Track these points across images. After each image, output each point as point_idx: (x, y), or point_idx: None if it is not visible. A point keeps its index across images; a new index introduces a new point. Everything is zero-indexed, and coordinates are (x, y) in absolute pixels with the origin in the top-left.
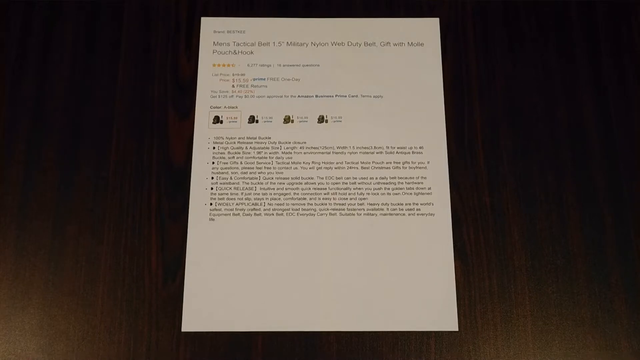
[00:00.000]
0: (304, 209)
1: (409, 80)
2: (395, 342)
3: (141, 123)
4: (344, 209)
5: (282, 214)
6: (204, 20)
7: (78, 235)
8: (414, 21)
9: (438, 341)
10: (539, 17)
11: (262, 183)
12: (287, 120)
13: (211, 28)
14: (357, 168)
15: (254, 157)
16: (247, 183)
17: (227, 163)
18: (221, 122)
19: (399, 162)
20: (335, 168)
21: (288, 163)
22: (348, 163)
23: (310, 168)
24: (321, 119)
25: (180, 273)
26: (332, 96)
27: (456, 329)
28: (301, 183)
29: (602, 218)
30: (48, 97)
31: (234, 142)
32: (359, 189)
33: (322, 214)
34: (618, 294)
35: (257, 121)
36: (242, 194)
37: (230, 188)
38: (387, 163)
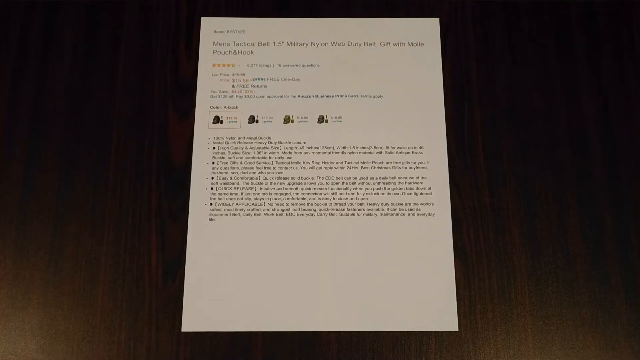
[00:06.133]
0: (304, 209)
1: (409, 80)
2: (395, 342)
3: (141, 123)
4: (344, 209)
5: (282, 214)
6: (204, 20)
7: (78, 235)
8: (414, 21)
9: (438, 341)
10: (539, 17)
11: (262, 183)
12: (287, 120)
13: (211, 28)
14: (357, 168)
15: (254, 157)
16: (247, 183)
17: (227, 163)
18: (221, 122)
19: (399, 162)
20: (335, 168)
21: (288, 163)
22: (348, 163)
23: (310, 168)
24: (321, 119)
25: (180, 273)
26: (332, 96)
27: (456, 329)
28: (301, 183)
29: (602, 218)
30: (48, 97)
31: (234, 142)
32: (359, 189)
33: (322, 214)
34: (618, 294)
35: (257, 121)
36: (242, 194)
37: (230, 188)
38: (387, 163)
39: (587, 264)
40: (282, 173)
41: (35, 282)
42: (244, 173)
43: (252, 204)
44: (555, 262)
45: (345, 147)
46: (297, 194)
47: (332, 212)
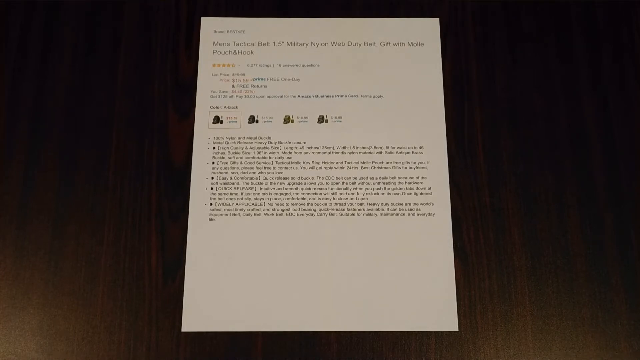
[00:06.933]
0: (304, 209)
1: (409, 80)
2: (395, 342)
3: (141, 123)
4: (344, 209)
5: (282, 214)
6: (204, 20)
7: (78, 235)
8: (414, 21)
9: (438, 341)
10: (539, 17)
11: (262, 183)
12: (287, 120)
13: (211, 28)
14: (357, 168)
15: (254, 157)
16: (247, 183)
17: (227, 163)
18: (221, 122)
19: (399, 162)
20: (335, 168)
21: (288, 163)
22: (348, 163)
23: (310, 168)
24: (321, 119)
25: (180, 273)
26: (332, 96)
27: (456, 329)
28: (301, 183)
29: (602, 218)
30: (48, 97)
31: (234, 142)
32: (359, 189)
33: (322, 214)
34: (618, 294)
35: (257, 121)
36: (242, 194)
37: (230, 188)
38: (387, 163)
39: (587, 264)
40: (282, 173)
41: (35, 282)
42: (244, 173)
43: (252, 204)
44: (555, 262)
45: (345, 147)
46: (297, 194)
47: (332, 212)
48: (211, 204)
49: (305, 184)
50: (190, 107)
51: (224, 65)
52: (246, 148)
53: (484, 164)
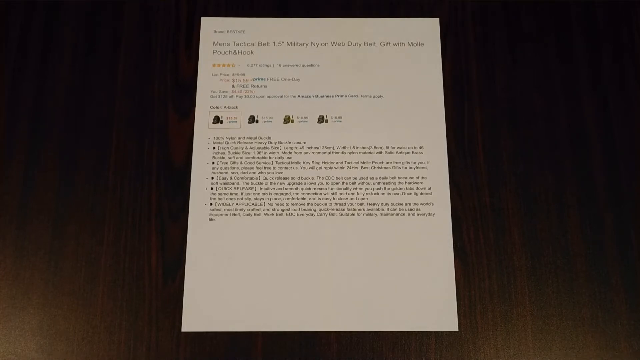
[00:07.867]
0: (304, 209)
1: (409, 80)
2: (395, 342)
3: (141, 123)
4: (344, 209)
5: (282, 214)
6: (204, 20)
7: (78, 235)
8: (414, 21)
9: (438, 341)
10: (539, 17)
11: (262, 183)
12: (287, 120)
13: (211, 28)
14: (357, 168)
15: (254, 157)
16: (247, 183)
17: (227, 163)
18: (221, 122)
19: (399, 162)
20: (335, 168)
21: (288, 163)
22: (348, 163)
23: (310, 168)
24: (321, 119)
25: (180, 273)
26: (332, 96)
27: (456, 329)
28: (301, 183)
29: (602, 218)
30: (48, 97)
31: (234, 142)
32: (359, 189)
33: (322, 214)
34: (618, 294)
35: (257, 121)
36: (242, 194)
37: (230, 188)
38: (387, 163)
39: (587, 264)
40: (282, 173)
41: (35, 282)
42: (244, 173)
43: (252, 204)
44: (555, 262)
45: (345, 147)
46: (297, 194)
47: (332, 212)
48: (211, 204)
49: (305, 184)
50: (190, 107)
51: (224, 65)
52: (246, 148)
53: (484, 164)
